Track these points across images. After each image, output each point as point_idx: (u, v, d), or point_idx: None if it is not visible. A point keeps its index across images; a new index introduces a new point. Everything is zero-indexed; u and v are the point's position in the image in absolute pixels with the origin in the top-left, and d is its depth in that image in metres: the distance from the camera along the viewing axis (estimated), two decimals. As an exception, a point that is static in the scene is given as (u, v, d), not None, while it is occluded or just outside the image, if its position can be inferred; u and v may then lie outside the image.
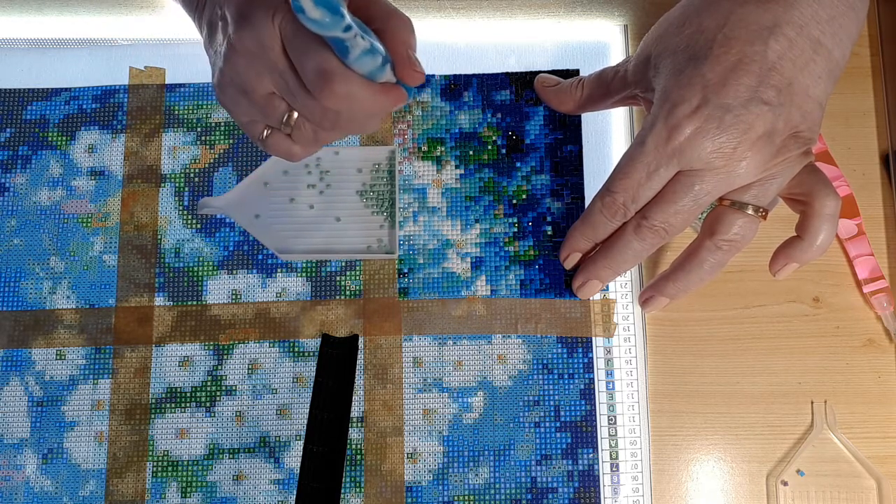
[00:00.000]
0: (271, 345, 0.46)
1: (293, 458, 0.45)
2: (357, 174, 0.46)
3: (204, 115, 0.49)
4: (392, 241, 0.45)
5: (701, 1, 0.37)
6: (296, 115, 0.34)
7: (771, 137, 0.35)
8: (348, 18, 0.29)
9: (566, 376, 0.46)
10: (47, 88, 0.49)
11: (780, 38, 0.34)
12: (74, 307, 0.47)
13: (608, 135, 0.49)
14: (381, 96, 0.33)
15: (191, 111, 0.49)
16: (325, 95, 0.31)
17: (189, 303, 0.47)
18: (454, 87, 0.49)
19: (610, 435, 0.45)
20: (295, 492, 0.44)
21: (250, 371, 0.46)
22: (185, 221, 0.48)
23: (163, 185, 0.48)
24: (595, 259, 0.41)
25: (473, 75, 0.50)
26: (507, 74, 0.49)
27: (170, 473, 0.45)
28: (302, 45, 0.31)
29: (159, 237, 0.47)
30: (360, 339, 0.46)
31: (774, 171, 0.36)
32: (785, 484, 0.45)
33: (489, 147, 0.49)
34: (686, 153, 0.35)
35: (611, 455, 0.45)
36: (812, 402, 0.46)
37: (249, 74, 0.33)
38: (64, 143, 0.49)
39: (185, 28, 0.48)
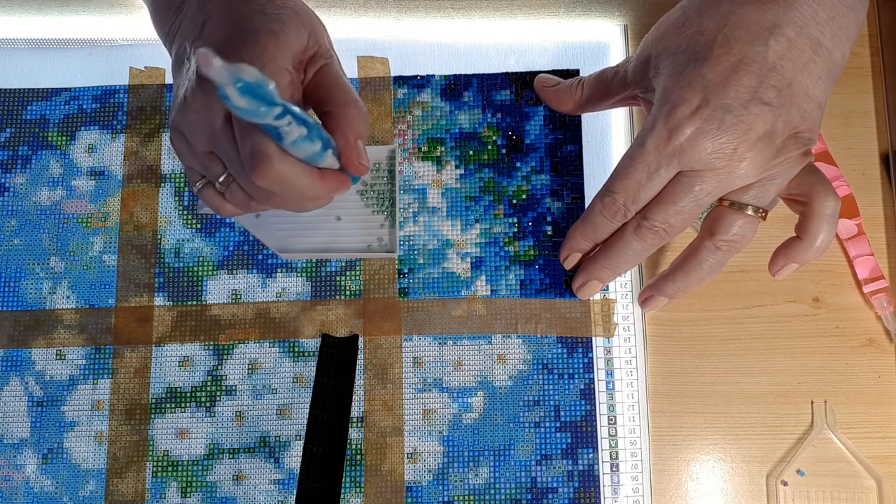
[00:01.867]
0: (271, 345, 0.46)
1: (293, 458, 0.45)
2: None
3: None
4: (392, 240, 0.45)
5: (701, 2, 0.37)
6: (223, 177, 0.36)
7: (771, 138, 0.35)
8: (279, 107, 0.28)
9: (566, 376, 0.46)
10: (47, 88, 0.49)
11: (780, 38, 0.34)
12: (74, 307, 0.47)
13: (608, 135, 0.49)
14: (318, 182, 0.34)
15: (191, 111, 0.49)
16: (256, 175, 0.32)
17: (189, 303, 0.47)
18: (454, 87, 0.49)
19: (610, 435, 0.45)
20: (295, 492, 0.44)
21: (250, 371, 0.46)
22: (185, 221, 0.48)
23: (163, 185, 0.48)
24: (595, 259, 0.41)
25: (473, 75, 0.50)
26: (507, 74, 0.49)
27: (170, 473, 0.45)
28: (242, 122, 0.32)
29: (159, 237, 0.47)
30: (360, 339, 0.46)
31: (774, 172, 0.36)
32: (785, 484, 0.45)
33: (489, 147, 0.49)
34: (686, 154, 0.35)
35: (611, 455, 0.45)
36: (812, 402, 0.46)
37: (195, 130, 0.34)
38: (64, 143, 0.49)
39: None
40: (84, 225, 0.48)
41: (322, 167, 0.35)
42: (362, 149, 0.35)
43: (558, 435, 0.45)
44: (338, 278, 0.47)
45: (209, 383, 0.46)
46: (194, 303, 0.47)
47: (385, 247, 0.45)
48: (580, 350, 0.46)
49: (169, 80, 0.50)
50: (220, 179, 0.35)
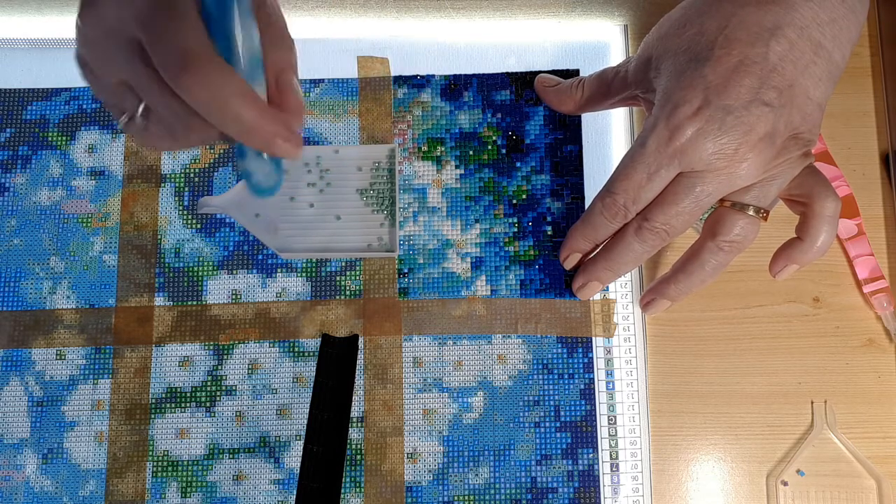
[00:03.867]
0: (271, 345, 0.46)
1: (293, 458, 0.45)
2: (357, 172, 0.46)
3: (204, 115, 0.49)
4: (392, 240, 0.45)
5: (702, 2, 0.37)
6: (141, 108, 0.30)
7: (772, 139, 0.35)
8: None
9: (566, 376, 0.46)
10: (47, 88, 0.49)
11: (781, 39, 0.34)
12: (74, 307, 0.47)
13: (608, 135, 0.49)
14: (256, 109, 0.27)
15: (191, 111, 0.49)
16: (183, 76, 0.26)
17: (189, 303, 0.47)
18: (454, 87, 0.49)
19: (610, 435, 0.45)
20: (295, 492, 0.44)
21: (250, 371, 0.46)
22: (185, 221, 0.48)
23: (163, 185, 0.48)
24: (595, 261, 0.41)
25: (473, 75, 0.50)
26: (507, 74, 0.49)
27: (170, 473, 0.45)
28: (159, 28, 0.26)
29: (159, 237, 0.47)
30: (360, 339, 0.46)
31: (775, 173, 0.36)
32: (785, 484, 0.45)
33: (489, 147, 0.49)
34: (687, 154, 0.35)
35: (611, 455, 0.45)
36: (812, 402, 0.46)
37: (97, 62, 0.29)
38: (64, 143, 0.49)
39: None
40: (84, 225, 0.48)
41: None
42: (297, 85, 0.30)
43: (558, 435, 0.45)
44: (338, 278, 0.47)
45: (209, 383, 0.46)
46: (194, 303, 0.47)
47: (385, 246, 0.45)
48: (580, 350, 0.46)
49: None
50: (139, 112, 0.30)
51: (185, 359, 0.46)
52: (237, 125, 0.27)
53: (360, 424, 0.45)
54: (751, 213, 0.37)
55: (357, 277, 0.47)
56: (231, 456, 0.45)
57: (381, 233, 0.45)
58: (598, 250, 0.42)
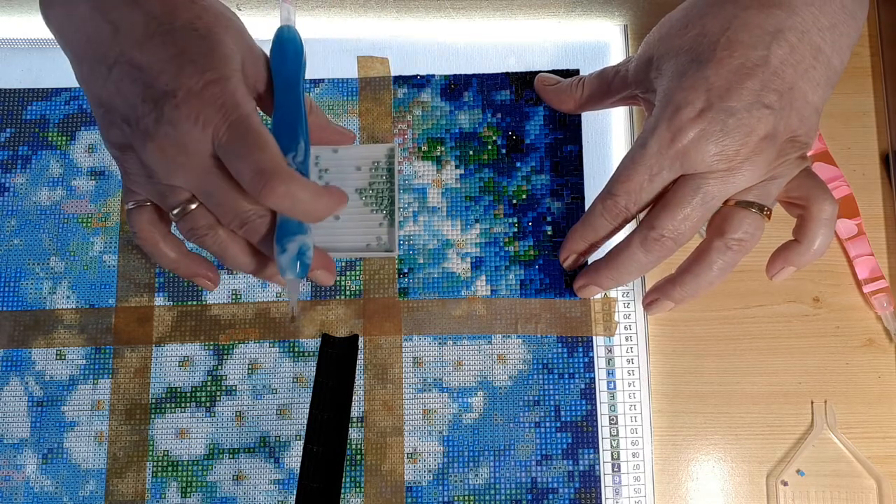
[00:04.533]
0: (271, 345, 0.46)
1: (293, 458, 0.45)
2: (356, 172, 0.46)
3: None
4: (391, 239, 0.45)
5: (704, 3, 0.37)
6: (193, 206, 0.34)
7: (772, 140, 0.35)
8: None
9: (566, 376, 0.46)
10: (47, 88, 0.49)
11: (782, 43, 0.34)
12: (74, 307, 0.47)
13: (608, 135, 0.49)
14: (324, 196, 0.33)
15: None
16: (266, 193, 0.31)
17: (189, 303, 0.47)
18: (454, 87, 0.49)
19: (611, 435, 0.45)
20: (295, 492, 0.44)
21: (250, 371, 0.46)
22: (185, 221, 0.48)
23: (163, 185, 0.48)
24: (598, 267, 0.41)
25: (473, 75, 0.50)
26: (507, 74, 0.49)
27: (170, 473, 0.45)
28: (239, 149, 0.31)
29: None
30: (360, 339, 0.46)
31: (775, 173, 0.37)
32: (785, 484, 0.45)
33: (489, 147, 0.49)
34: (689, 156, 0.35)
35: (612, 455, 0.45)
36: (812, 402, 0.46)
37: (168, 167, 0.33)
38: (64, 143, 0.49)
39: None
40: (84, 225, 0.48)
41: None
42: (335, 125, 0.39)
43: (559, 435, 0.45)
44: (338, 278, 0.47)
45: (209, 383, 0.46)
46: (194, 303, 0.47)
47: (384, 246, 0.45)
48: (580, 349, 0.46)
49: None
50: (180, 208, 0.34)
51: (185, 359, 0.46)
52: (307, 216, 0.33)
53: (360, 424, 0.45)
54: (755, 211, 0.37)
55: (357, 277, 0.47)
56: (231, 456, 0.45)
57: (379, 232, 0.45)
58: (602, 257, 0.41)
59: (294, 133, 0.35)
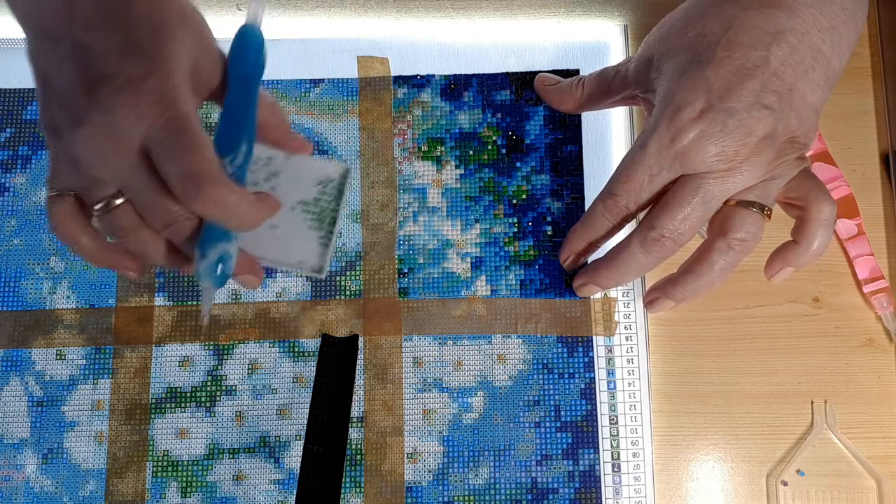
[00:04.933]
0: (271, 345, 0.46)
1: (293, 458, 0.45)
2: (304, 184, 0.42)
3: (203, 114, 0.49)
4: (322, 261, 0.40)
5: (704, 4, 0.37)
6: (118, 201, 0.32)
7: (772, 141, 0.35)
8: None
9: (566, 376, 0.46)
10: (47, 88, 0.49)
11: (782, 44, 0.34)
12: (74, 307, 0.47)
13: (608, 135, 0.49)
14: (255, 204, 0.33)
15: (191, 111, 0.49)
16: (195, 199, 0.30)
17: (189, 303, 0.47)
18: (454, 87, 0.49)
19: (612, 435, 0.45)
20: (295, 492, 0.44)
21: (250, 371, 0.46)
22: (185, 221, 0.48)
23: (163, 184, 0.48)
24: (598, 267, 0.41)
25: (473, 75, 0.50)
26: (507, 74, 0.49)
27: (170, 473, 0.45)
28: (172, 149, 0.30)
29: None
30: (360, 339, 0.46)
31: (774, 174, 0.37)
32: (785, 484, 0.45)
33: (489, 147, 0.49)
34: (689, 156, 0.35)
35: (612, 455, 0.45)
36: (812, 402, 0.46)
37: (87, 156, 0.31)
38: (64, 142, 0.49)
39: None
40: (84, 225, 0.48)
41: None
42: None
43: (559, 435, 0.45)
44: (338, 278, 0.47)
45: (209, 383, 0.46)
46: (194, 303, 0.47)
47: (313, 266, 0.41)
48: (580, 349, 0.46)
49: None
50: (103, 203, 0.32)
51: (185, 359, 0.46)
52: (236, 226, 0.32)
53: (360, 424, 0.45)
54: (756, 210, 0.37)
55: (357, 277, 0.47)
56: (231, 456, 0.45)
57: (312, 251, 0.40)
58: (602, 256, 0.41)
59: (237, 135, 0.33)
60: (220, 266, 0.33)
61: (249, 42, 0.35)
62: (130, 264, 0.36)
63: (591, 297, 0.46)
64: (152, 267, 0.45)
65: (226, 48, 0.35)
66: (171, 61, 0.31)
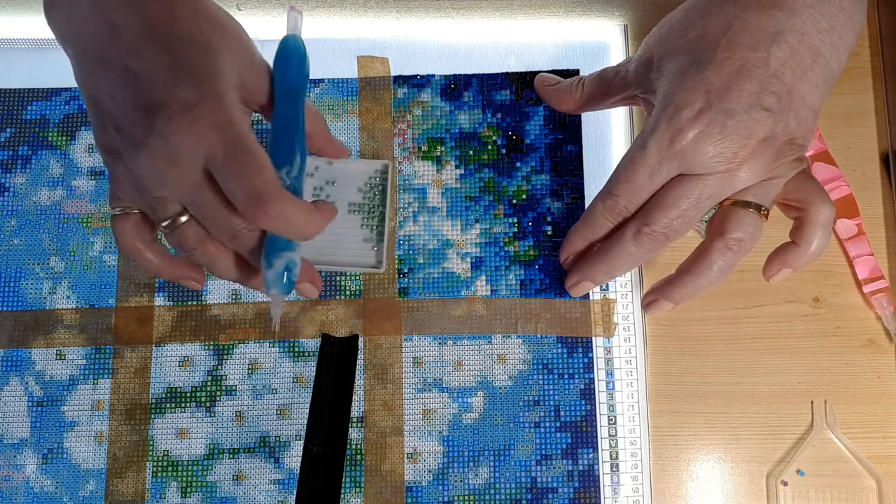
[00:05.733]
0: (271, 345, 0.46)
1: (293, 458, 0.45)
2: (350, 187, 0.46)
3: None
4: (379, 256, 0.45)
5: (704, 4, 0.37)
6: (184, 219, 0.33)
7: (771, 143, 0.35)
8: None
9: (566, 376, 0.46)
10: (47, 88, 0.49)
11: (782, 45, 0.34)
12: (74, 307, 0.47)
13: (608, 135, 0.49)
14: (316, 214, 0.33)
15: (191, 111, 0.49)
16: (260, 216, 0.31)
17: (189, 303, 0.47)
18: (454, 87, 0.49)
19: (610, 435, 0.45)
20: (295, 492, 0.44)
21: (250, 371, 0.46)
22: (185, 221, 0.48)
23: (163, 185, 0.48)
24: (591, 261, 0.41)
25: (473, 75, 0.50)
26: (507, 74, 0.49)
27: (170, 473, 0.45)
28: (233, 168, 0.31)
29: (159, 236, 0.47)
30: (360, 339, 0.46)
31: (772, 175, 0.37)
32: (785, 484, 0.45)
33: (489, 147, 0.49)
34: (688, 157, 0.35)
35: (611, 455, 0.45)
36: (812, 402, 0.46)
37: (159, 180, 0.32)
38: (64, 143, 0.49)
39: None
40: (84, 225, 0.48)
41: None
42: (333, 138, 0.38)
43: (558, 435, 0.45)
44: (338, 278, 0.47)
45: (209, 383, 0.46)
46: (194, 303, 0.47)
47: (371, 262, 0.45)
48: (580, 350, 0.46)
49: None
50: (169, 221, 0.33)
51: (185, 359, 0.46)
52: (299, 236, 0.33)
53: (360, 424, 0.45)
54: (753, 210, 0.37)
55: (357, 277, 0.47)
56: (231, 456, 0.45)
57: (368, 248, 0.45)
58: (593, 251, 0.41)
59: (291, 146, 0.34)
60: (286, 274, 0.34)
61: (292, 53, 0.36)
62: (195, 275, 0.38)
63: (591, 297, 0.46)
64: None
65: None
66: (221, 81, 0.32)
